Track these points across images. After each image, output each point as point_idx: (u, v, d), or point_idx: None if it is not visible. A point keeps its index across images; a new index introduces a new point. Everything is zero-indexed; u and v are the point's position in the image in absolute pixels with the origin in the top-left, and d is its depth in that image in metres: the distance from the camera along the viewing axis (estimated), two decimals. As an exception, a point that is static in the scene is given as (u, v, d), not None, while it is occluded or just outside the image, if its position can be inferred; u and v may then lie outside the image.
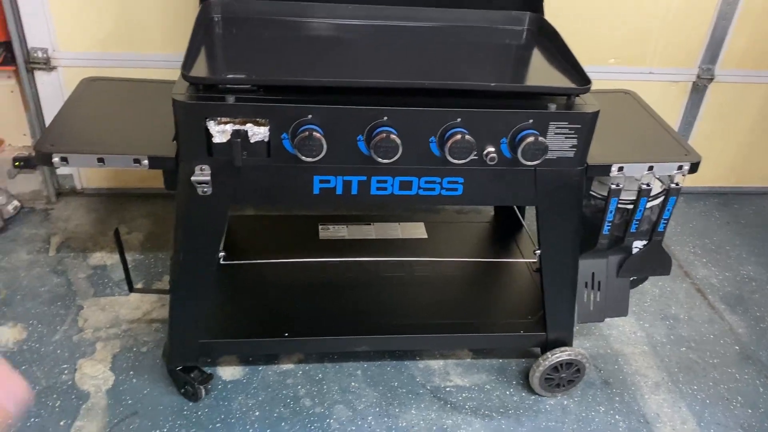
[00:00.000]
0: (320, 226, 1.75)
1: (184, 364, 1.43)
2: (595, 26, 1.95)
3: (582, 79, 1.25)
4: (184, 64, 1.17)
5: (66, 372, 1.52)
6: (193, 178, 1.20)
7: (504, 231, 1.82)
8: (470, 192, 1.29)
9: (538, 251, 1.40)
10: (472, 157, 1.21)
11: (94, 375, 1.51)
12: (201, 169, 1.21)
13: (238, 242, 1.64)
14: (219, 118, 1.16)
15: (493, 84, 1.21)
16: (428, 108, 1.19)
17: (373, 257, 1.64)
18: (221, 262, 1.34)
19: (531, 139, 1.19)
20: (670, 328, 1.78)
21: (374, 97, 1.20)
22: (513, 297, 1.59)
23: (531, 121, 1.21)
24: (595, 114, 1.23)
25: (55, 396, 1.46)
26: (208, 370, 1.51)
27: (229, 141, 1.17)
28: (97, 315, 1.68)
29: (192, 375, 1.42)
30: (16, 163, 1.92)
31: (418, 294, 1.57)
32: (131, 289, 1.42)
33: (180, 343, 1.40)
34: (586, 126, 1.23)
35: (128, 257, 1.88)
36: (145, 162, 1.22)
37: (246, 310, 1.47)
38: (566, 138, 1.24)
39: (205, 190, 1.22)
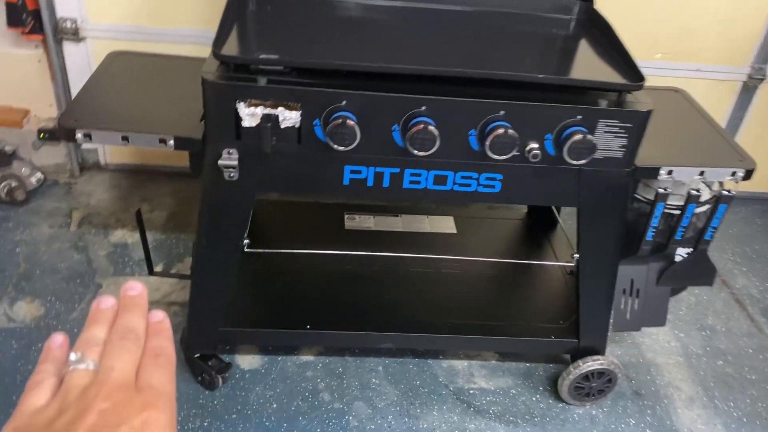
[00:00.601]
0: (346, 216, 1.69)
1: (202, 352, 1.39)
2: (643, 18, 1.86)
3: (635, 74, 1.18)
4: (216, 42, 1.12)
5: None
6: (219, 162, 1.15)
7: (537, 229, 1.75)
8: (509, 190, 1.22)
9: (576, 255, 1.33)
10: (513, 153, 1.14)
11: (111, 357, 1.48)
12: (228, 153, 1.15)
13: (262, 228, 1.59)
14: (249, 100, 1.11)
15: (540, 76, 1.14)
16: (470, 99, 1.12)
17: (399, 251, 1.58)
18: (245, 249, 1.29)
19: (579, 136, 1.12)
20: (707, 340, 1.70)
21: (412, 84, 1.14)
22: (544, 300, 1.53)
23: (579, 117, 1.14)
24: (649, 113, 1.15)
25: (70, 376, 1.43)
26: (226, 358, 1.47)
27: (258, 125, 1.11)
28: (116, 295, 1.64)
29: (210, 363, 1.38)
30: (41, 135, 1.89)
31: (445, 292, 1.51)
32: (151, 272, 1.38)
33: (199, 331, 1.36)
34: (638, 125, 1.15)
35: (149, 237, 1.84)
36: (171, 142, 1.17)
37: (268, 299, 1.42)
38: (615, 137, 1.16)
39: (232, 175, 1.17)
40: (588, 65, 1.29)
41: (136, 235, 1.84)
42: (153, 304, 1.61)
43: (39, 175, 1.97)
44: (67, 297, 1.62)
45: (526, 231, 1.75)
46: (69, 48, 1.87)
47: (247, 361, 1.50)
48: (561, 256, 1.66)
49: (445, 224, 1.71)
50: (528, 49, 1.35)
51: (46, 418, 0.39)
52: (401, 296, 1.48)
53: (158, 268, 1.72)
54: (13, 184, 1.88)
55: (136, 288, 0.48)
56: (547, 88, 1.17)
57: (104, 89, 1.30)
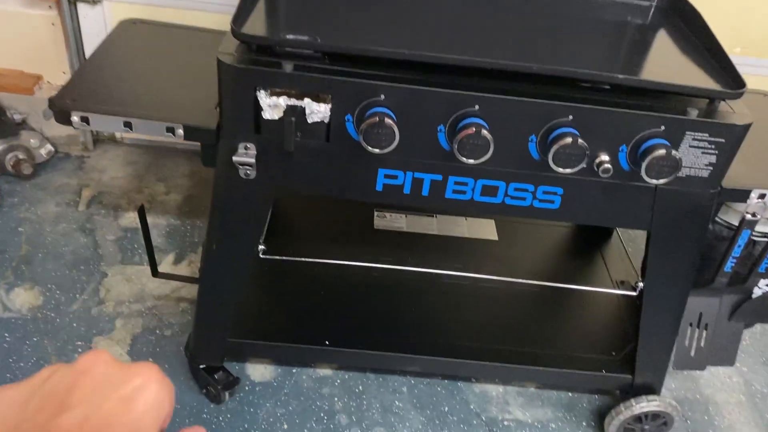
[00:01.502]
0: (376, 213, 1.53)
1: (208, 364, 1.25)
2: (720, 4, 1.63)
3: (733, 79, 0.98)
4: (235, 18, 0.95)
5: (80, 350, 1.36)
6: (234, 158, 0.99)
7: (589, 238, 1.56)
8: (570, 207, 1.04)
9: (641, 283, 1.15)
10: (581, 166, 0.96)
11: (110, 358, 1.35)
12: (245, 148, 0.99)
13: (280, 226, 1.43)
14: (272, 89, 0.94)
15: (621, 76, 0.95)
16: (533, 99, 0.94)
17: (432, 260, 1.42)
18: (260, 255, 1.14)
19: (662, 152, 0.93)
20: (772, 376, 1.52)
21: (463, 79, 0.96)
22: (595, 326, 1.35)
23: (663, 128, 0.95)
24: (746, 127, 0.96)
25: (65, 377, 1.30)
26: (235, 366, 1.33)
27: (281, 118, 0.95)
28: (121, 286, 1.51)
29: (216, 376, 1.24)
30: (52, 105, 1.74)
31: (480, 310, 1.34)
32: (155, 274, 1.24)
33: (205, 340, 1.22)
34: (731, 141, 0.96)
35: (162, 222, 1.70)
36: (180, 131, 1.01)
37: (282, 310, 1.27)
38: (703, 153, 0.97)
39: (248, 172, 1.01)
40: (673, 64, 1.09)
41: (149, 220, 1.68)
42: (160, 300, 1.48)
43: (49, 147, 1.83)
44: (69, 286, 1.49)
45: (576, 240, 1.57)
46: (84, 10, 1.71)
47: (258, 372, 1.35)
48: (615, 272, 1.48)
49: (486, 229, 1.54)
50: (598, 42, 1.16)
51: (58, 392, 0.37)
52: (432, 313, 1.32)
53: (166, 264, 1.58)
54: (21, 156, 1.74)
55: None
56: (623, 91, 0.98)
57: (110, 63, 1.14)
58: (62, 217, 1.68)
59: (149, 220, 1.71)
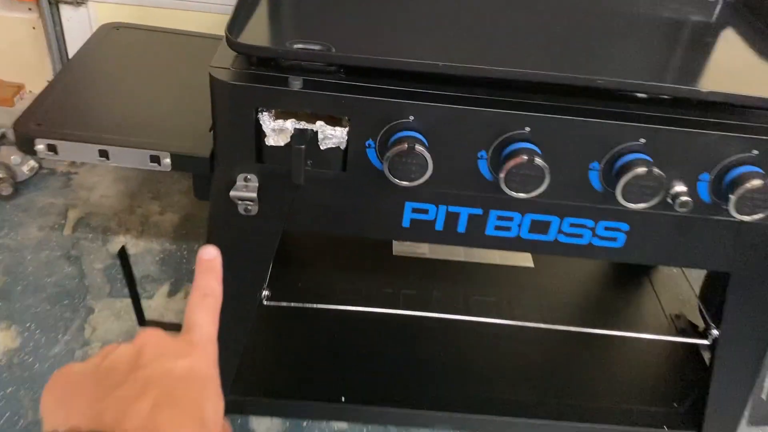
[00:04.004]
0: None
1: (207, 422, 1.08)
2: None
3: (838, 91, 0.81)
4: (231, 24, 0.78)
5: (61, 402, 1.19)
6: (232, 193, 0.82)
7: (636, 266, 1.39)
8: (635, 245, 0.87)
9: (715, 330, 0.98)
10: (656, 200, 0.78)
11: (96, 411, 1.18)
12: (245, 180, 0.82)
13: (286, 261, 1.26)
14: (277, 110, 0.77)
15: (705, 90, 0.77)
16: (595, 119, 0.77)
17: (460, 289, 1.25)
18: (264, 302, 0.97)
19: (757, 182, 0.76)
20: None
21: (508, 94, 0.79)
22: (650, 372, 1.18)
23: (755, 152, 0.77)
24: None
25: (43, 435, 1.14)
26: (238, 419, 1.17)
27: (288, 145, 0.78)
28: (109, 323, 1.34)
29: (215, 437, 1.07)
30: (34, 117, 1.58)
31: (520, 355, 1.17)
32: (141, 322, 1.07)
33: (202, 397, 1.05)
34: (839, 168, 0.78)
35: (156, 245, 1.54)
36: (167, 161, 0.84)
37: (291, 361, 1.09)
38: (801, 182, 0.80)
39: (249, 208, 0.84)
40: (758, 72, 0.91)
41: (141, 244, 1.54)
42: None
43: (32, 163, 1.66)
44: (50, 324, 1.33)
45: (621, 265, 1.39)
46: (67, 12, 1.55)
47: (263, 426, 1.18)
48: (667, 303, 1.30)
49: (520, 255, 1.37)
50: (661, 47, 0.98)
51: (125, 360, 0.40)
52: (463, 360, 1.15)
53: (159, 297, 1.41)
54: (0, 174, 1.58)
55: (211, 253, 0.50)
56: (702, 107, 0.81)
57: (85, 78, 0.97)
58: (45, 242, 1.51)
59: (141, 244, 1.55)
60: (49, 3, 1.51)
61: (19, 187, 1.64)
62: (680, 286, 1.41)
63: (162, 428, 0.35)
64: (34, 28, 1.59)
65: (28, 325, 1.32)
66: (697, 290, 1.18)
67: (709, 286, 1.14)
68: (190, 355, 0.41)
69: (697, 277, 1.26)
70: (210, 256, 0.50)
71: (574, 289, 1.33)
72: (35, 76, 1.65)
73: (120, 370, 0.39)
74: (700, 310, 1.11)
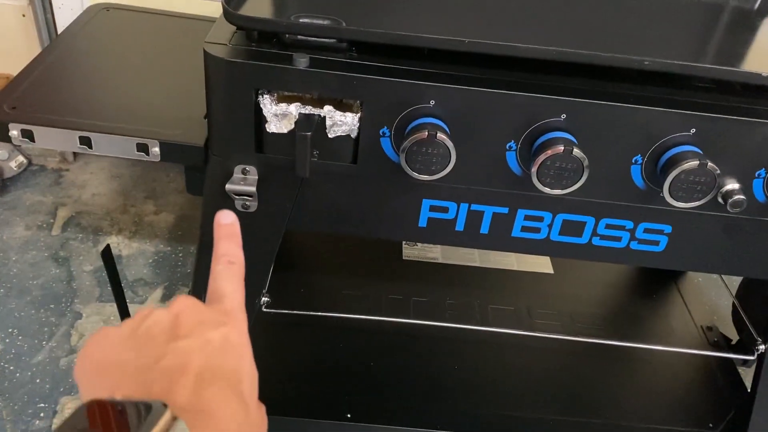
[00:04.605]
0: (405, 242, 1.27)
1: (199, 440, 0.99)
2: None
3: None
4: (229, -6, 0.69)
5: (42, 414, 1.10)
6: (228, 186, 0.73)
7: (664, 272, 1.29)
8: (679, 249, 0.78)
9: (762, 346, 0.88)
10: (708, 197, 0.69)
11: (79, 425, 1.09)
12: (243, 173, 0.73)
13: (288, 263, 1.17)
14: (280, 92, 0.68)
15: (765, 74, 0.68)
16: (640, 106, 0.68)
17: (475, 298, 1.15)
18: (263, 309, 0.88)
19: (824, 180, 0.67)
20: None
21: (541, 77, 0.70)
22: (682, 389, 1.08)
23: (821, 146, 0.68)
24: None
25: (22, 451, 1.05)
26: (234, 435, 1.07)
27: (292, 132, 0.69)
28: (95, 326, 1.25)
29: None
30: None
31: (540, 370, 1.07)
32: (129, 330, 0.97)
33: (194, 412, 0.96)
34: None
35: (150, 247, 1.45)
36: (156, 150, 0.75)
37: (292, 375, 0.99)
38: None
39: (248, 204, 0.75)
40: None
41: (134, 245, 1.45)
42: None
43: (21, 158, 1.58)
44: (35, 330, 1.24)
45: (646, 270, 1.30)
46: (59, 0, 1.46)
47: (262, 443, 1.09)
48: (697, 314, 1.21)
49: (538, 260, 1.27)
50: (704, 29, 0.89)
51: (162, 327, 0.39)
52: (478, 374, 1.05)
53: (152, 302, 1.32)
54: (-14, 170, 1.50)
55: (230, 217, 0.49)
56: (757, 95, 0.72)
57: (70, 60, 0.89)
58: (32, 242, 1.42)
59: (134, 245, 1.46)
60: (40, -12, 1.43)
61: (6, 183, 1.55)
62: (709, 293, 1.32)
63: (210, 406, 0.36)
64: (23, 15, 1.50)
65: (10, 330, 1.23)
66: (733, 300, 1.09)
67: (750, 295, 1.05)
68: (225, 324, 0.40)
69: (730, 284, 1.17)
70: (228, 220, 0.49)
71: (597, 297, 1.24)
72: (24, 65, 1.56)
73: (159, 338, 0.38)
74: (738, 321, 1.02)
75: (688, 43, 0.82)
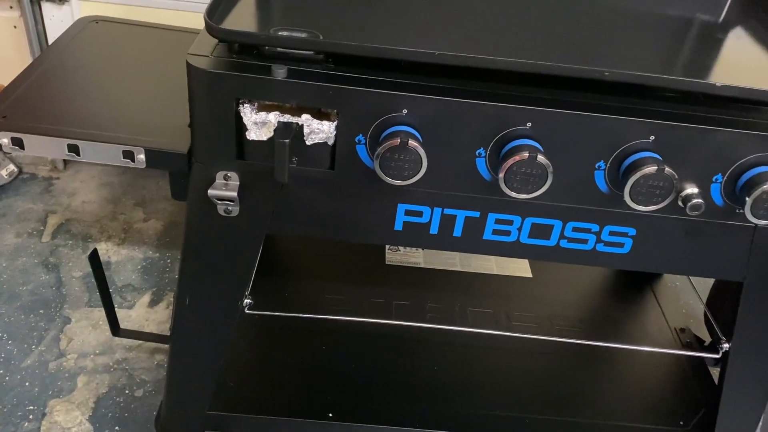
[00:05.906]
0: (388, 247, 1.30)
1: (184, 440, 1.01)
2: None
3: None
4: (212, 8, 0.73)
5: (31, 417, 1.12)
6: (211, 192, 0.76)
7: (637, 273, 1.33)
8: (643, 251, 0.81)
9: (726, 345, 0.92)
10: (667, 201, 0.73)
11: (67, 426, 1.11)
12: (225, 179, 0.77)
13: (270, 267, 1.19)
14: (260, 102, 0.72)
15: (719, 84, 0.72)
16: (602, 114, 0.71)
17: (457, 301, 1.19)
18: (246, 311, 0.91)
19: (775, 184, 0.71)
20: None
21: (508, 87, 0.73)
22: (654, 388, 1.11)
23: (773, 152, 0.72)
24: None
25: (11, 452, 1.07)
26: (219, 436, 1.10)
27: (271, 140, 0.72)
28: (86, 334, 1.28)
29: (193, 455, 1.01)
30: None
31: (518, 370, 1.11)
32: (115, 333, 1.00)
33: (179, 412, 0.99)
34: None
35: (139, 253, 1.47)
36: (141, 157, 0.78)
37: (275, 376, 1.03)
38: (820, 184, 0.75)
39: (229, 209, 0.78)
40: (762, 68, 0.86)
41: (123, 252, 1.48)
42: (131, 351, 1.25)
43: (11, 167, 1.61)
44: (24, 334, 1.26)
45: (622, 274, 1.34)
46: (50, 11, 1.50)
47: (247, 444, 1.12)
48: (671, 316, 1.24)
49: (518, 264, 1.31)
50: (669, 41, 0.93)
51: None
52: (459, 375, 1.08)
53: (140, 307, 1.34)
54: (-23, 178, 1.52)
55: None
56: (714, 104, 0.75)
57: (59, 70, 0.92)
58: (22, 249, 1.45)
59: (123, 252, 1.49)
60: (31, 1, 1.46)
61: (-4, 191, 1.58)
62: (685, 297, 1.36)
63: None
64: (15, 27, 1.53)
65: (0, 335, 1.26)
66: (704, 301, 1.12)
67: (718, 297, 1.09)
68: None
69: (703, 287, 1.20)
70: None
71: (575, 300, 1.27)
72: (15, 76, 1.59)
73: None
74: (708, 322, 1.05)
75: (651, 55, 0.86)
